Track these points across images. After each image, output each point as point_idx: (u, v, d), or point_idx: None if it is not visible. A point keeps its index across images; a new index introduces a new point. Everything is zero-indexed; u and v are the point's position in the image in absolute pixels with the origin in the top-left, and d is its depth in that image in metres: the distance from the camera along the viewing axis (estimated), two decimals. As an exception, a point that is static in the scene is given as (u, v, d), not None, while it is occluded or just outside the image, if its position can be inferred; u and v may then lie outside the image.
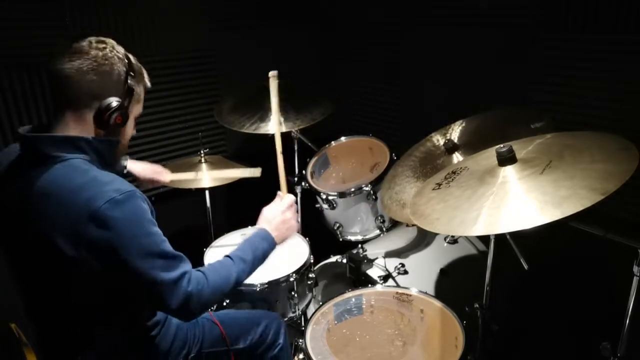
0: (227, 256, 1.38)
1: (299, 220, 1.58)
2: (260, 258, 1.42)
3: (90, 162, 1.21)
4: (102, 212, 1.11)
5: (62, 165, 1.17)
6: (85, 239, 1.12)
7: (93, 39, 1.22)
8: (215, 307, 1.92)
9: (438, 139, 1.94)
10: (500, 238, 1.65)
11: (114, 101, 1.21)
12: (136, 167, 1.83)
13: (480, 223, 1.17)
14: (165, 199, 1.79)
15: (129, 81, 1.23)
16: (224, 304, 1.91)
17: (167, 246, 1.22)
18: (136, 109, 1.31)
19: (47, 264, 1.19)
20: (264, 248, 1.44)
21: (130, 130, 1.33)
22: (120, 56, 1.23)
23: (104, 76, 1.20)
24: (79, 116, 1.21)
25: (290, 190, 2.46)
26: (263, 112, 2.37)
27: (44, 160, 1.18)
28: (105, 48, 1.21)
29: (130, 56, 1.28)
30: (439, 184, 1.42)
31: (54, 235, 1.13)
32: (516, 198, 1.19)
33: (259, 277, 1.84)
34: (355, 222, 2.15)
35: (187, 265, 1.24)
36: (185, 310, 1.22)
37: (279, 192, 1.64)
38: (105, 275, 1.17)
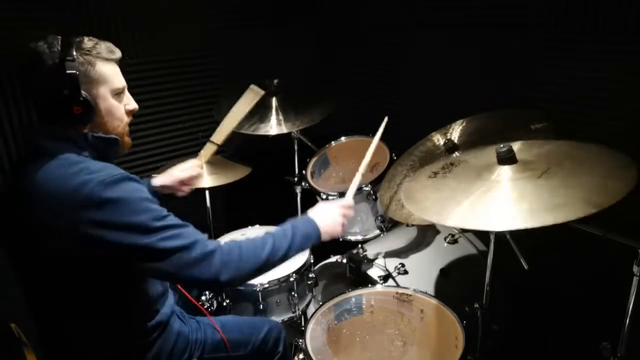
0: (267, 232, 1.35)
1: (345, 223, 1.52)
2: (300, 240, 1.36)
3: (85, 156, 1.21)
4: (95, 194, 1.10)
5: (56, 159, 1.17)
6: (81, 226, 1.10)
7: (27, 34, 1.19)
8: (215, 308, 1.92)
9: (438, 139, 1.94)
10: (500, 238, 1.65)
11: (56, 94, 1.15)
12: (164, 179, 1.75)
13: (457, 215, 1.20)
14: (165, 199, 1.79)
15: (67, 70, 1.15)
16: (224, 304, 1.91)
17: (173, 218, 1.20)
18: (104, 88, 1.24)
19: (44, 258, 1.18)
20: (307, 231, 1.39)
21: (115, 108, 1.27)
22: (54, 48, 1.16)
23: (35, 71, 1.16)
24: (48, 115, 1.21)
25: (291, 190, 2.47)
26: (262, 113, 2.37)
27: (41, 154, 1.18)
28: (36, 45, 1.16)
29: (79, 39, 1.20)
30: (436, 173, 1.44)
31: (48, 228, 1.12)
32: (502, 198, 1.20)
33: (259, 277, 1.84)
34: (355, 222, 2.14)
35: (199, 234, 1.22)
36: (209, 272, 1.18)
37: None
38: (108, 266, 1.16)
